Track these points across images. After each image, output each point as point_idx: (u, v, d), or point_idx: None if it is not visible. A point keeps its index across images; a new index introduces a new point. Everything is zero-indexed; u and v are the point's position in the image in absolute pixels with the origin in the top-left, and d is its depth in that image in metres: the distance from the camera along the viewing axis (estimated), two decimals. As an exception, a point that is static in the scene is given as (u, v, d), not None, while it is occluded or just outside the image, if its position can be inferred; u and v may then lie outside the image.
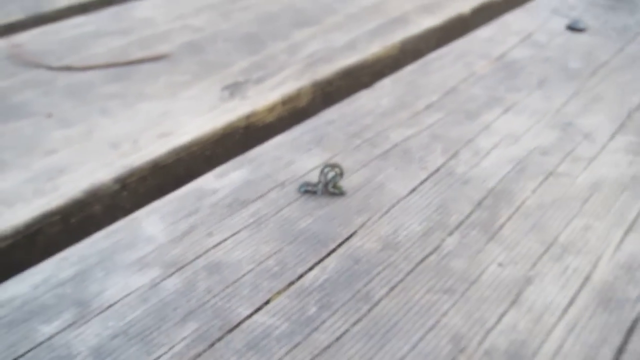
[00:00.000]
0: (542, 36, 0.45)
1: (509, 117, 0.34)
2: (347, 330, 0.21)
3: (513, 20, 0.48)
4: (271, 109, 0.35)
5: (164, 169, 0.31)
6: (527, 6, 0.51)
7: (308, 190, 0.27)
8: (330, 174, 0.26)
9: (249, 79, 0.38)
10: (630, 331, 0.21)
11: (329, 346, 0.20)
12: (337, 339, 0.20)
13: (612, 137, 0.32)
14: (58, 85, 0.38)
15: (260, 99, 0.36)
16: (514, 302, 0.22)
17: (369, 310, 0.22)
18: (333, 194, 0.27)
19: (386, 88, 0.37)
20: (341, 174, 0.26)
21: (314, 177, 0.28)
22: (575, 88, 0.38)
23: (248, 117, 0.34)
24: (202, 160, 0.32)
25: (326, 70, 0.39)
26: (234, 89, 0.37)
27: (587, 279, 0.23)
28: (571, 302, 0.22)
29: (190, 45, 0.43)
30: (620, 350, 0.20)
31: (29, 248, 0.26)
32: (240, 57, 0.41)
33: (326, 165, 0.26)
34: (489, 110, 0.34)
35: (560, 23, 0.47)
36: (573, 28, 0.47)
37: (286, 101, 0.36)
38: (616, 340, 0.21)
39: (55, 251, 0.25)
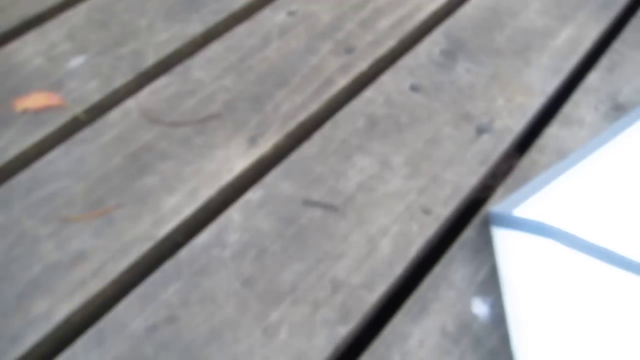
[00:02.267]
0: (395, 96, 0.97)
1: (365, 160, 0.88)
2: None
3: (387, 80, 0.99)
4: (269, 152, 0.89)
5: (231, 187, 0.85)
6: (398, 65, 1.02)
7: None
8: None
9: (258, 133, 0.91)
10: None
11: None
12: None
13: (401, 168, 0.88)
14: (174, 138, 0.90)
15: (265, 146, 0.89)
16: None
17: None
18: None
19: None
20: None
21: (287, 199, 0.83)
22: (400, 138, 0.91)
23: (261, 156, 0.88)
24: (241, 182, 0.86)
25: (291, 125, 0.92)
26: (252, 140, 0.90)
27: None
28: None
29: (227, 105, 0.94)
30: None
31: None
32: (252, 115, 0.93)
33: None
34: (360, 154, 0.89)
35: (408, 83, 0.99)
36: (414, 88, 0.99)
37: (275, 145, 0.90)
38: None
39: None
